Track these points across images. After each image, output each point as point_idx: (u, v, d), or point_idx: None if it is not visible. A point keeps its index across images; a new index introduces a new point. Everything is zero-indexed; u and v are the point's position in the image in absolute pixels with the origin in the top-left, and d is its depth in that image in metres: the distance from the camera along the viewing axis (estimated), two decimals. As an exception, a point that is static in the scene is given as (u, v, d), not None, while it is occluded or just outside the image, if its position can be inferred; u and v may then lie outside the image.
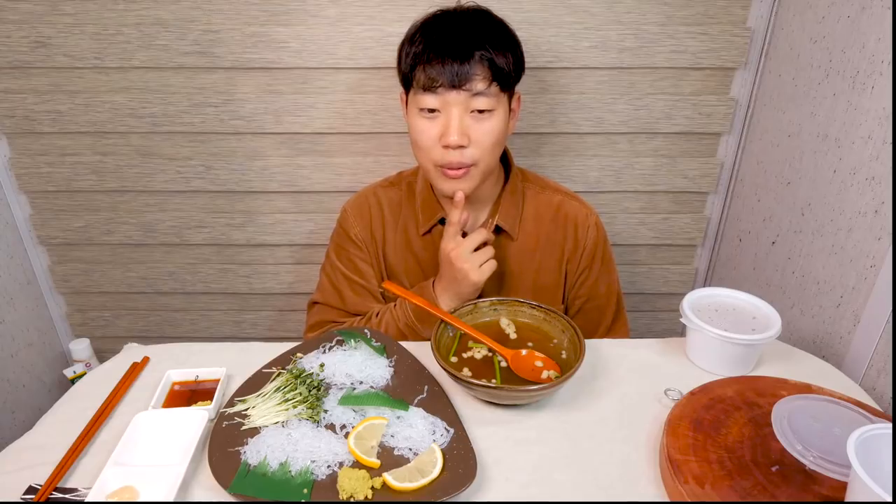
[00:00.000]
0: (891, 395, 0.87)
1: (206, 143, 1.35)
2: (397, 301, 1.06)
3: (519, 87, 1.02)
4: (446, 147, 0.94)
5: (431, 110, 0.95)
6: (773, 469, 0.68)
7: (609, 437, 0.78)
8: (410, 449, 0.73)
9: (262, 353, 0.91)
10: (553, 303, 1.10)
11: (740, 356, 0.88)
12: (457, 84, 0.92)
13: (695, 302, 0.94)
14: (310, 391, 0.80)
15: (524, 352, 0.87)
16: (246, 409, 0.79)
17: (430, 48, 0.93)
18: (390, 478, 0.68)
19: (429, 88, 0.93)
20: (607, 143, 1.36)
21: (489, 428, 0.79)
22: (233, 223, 1.44)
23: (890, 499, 0.53)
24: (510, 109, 1.01)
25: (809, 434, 0.69)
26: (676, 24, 1.23)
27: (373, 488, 0.68)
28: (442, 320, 0.89)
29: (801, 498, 0.64)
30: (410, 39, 0.97)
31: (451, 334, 0.91)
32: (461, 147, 0.94)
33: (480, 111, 0.94)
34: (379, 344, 0.91)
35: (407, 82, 0.98)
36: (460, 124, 0.93)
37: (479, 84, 0.93)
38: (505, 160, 1.10)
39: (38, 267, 1.48)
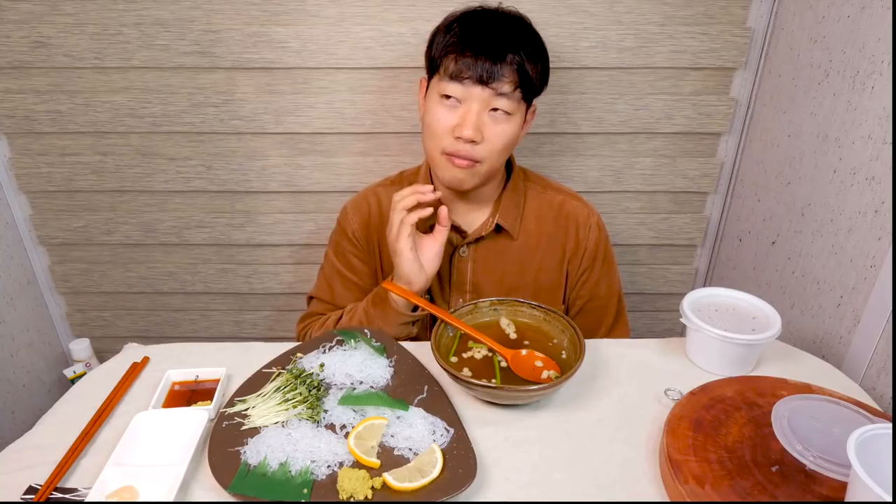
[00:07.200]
0: (891, 395, 0.87)
1: (206, 143, 1.35)
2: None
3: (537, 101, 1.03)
4: (458, 139, 0.95)
5: (448, 97, 0.95)
6: (773, 469, 0.68)
7: (609, 437, 0.78)
8: (410, 449, 0.73)
9: (262, 353, 0.91)
10: (554, 303, 1.10)
11: (740, 356, 0.88)
12: (484, 80, 0.92)
13: (695, 302, 0.94)
14: (310, 391, 0.80)
15: (524, 352, 0.87)
16: (246, 409, 0.79)
17: (466, 40, 0.93)
18: (390, 478, 0.68)
19: (455, 78, 0.93)
20: (607, 143, 1.36)
21: (489, 428, 0.79)
22: (233, 223, 1.44)
23: (890, 499, 0.53)
24: (525, 120, 1.01)
25: (809, 434, 0.69)
26: (676, 24, 1.23)
27: (373, 488, 0.68)
28: (442, 320, 0.89)
29: (801, 498, 0.64)
30: (447, 28, 0.97)
31: (451, 334, 0.91)
32: (473, 142, 0.94)
33: (497, 109, 0.95)
34: (379, 344, 0.91)
35: (433, 68, 0.98)
36: (477, 120, 0.94)
37: (506, 86, 0.93)
38: (507, 160, 1.10)
39: (38, 267, 1.48)
